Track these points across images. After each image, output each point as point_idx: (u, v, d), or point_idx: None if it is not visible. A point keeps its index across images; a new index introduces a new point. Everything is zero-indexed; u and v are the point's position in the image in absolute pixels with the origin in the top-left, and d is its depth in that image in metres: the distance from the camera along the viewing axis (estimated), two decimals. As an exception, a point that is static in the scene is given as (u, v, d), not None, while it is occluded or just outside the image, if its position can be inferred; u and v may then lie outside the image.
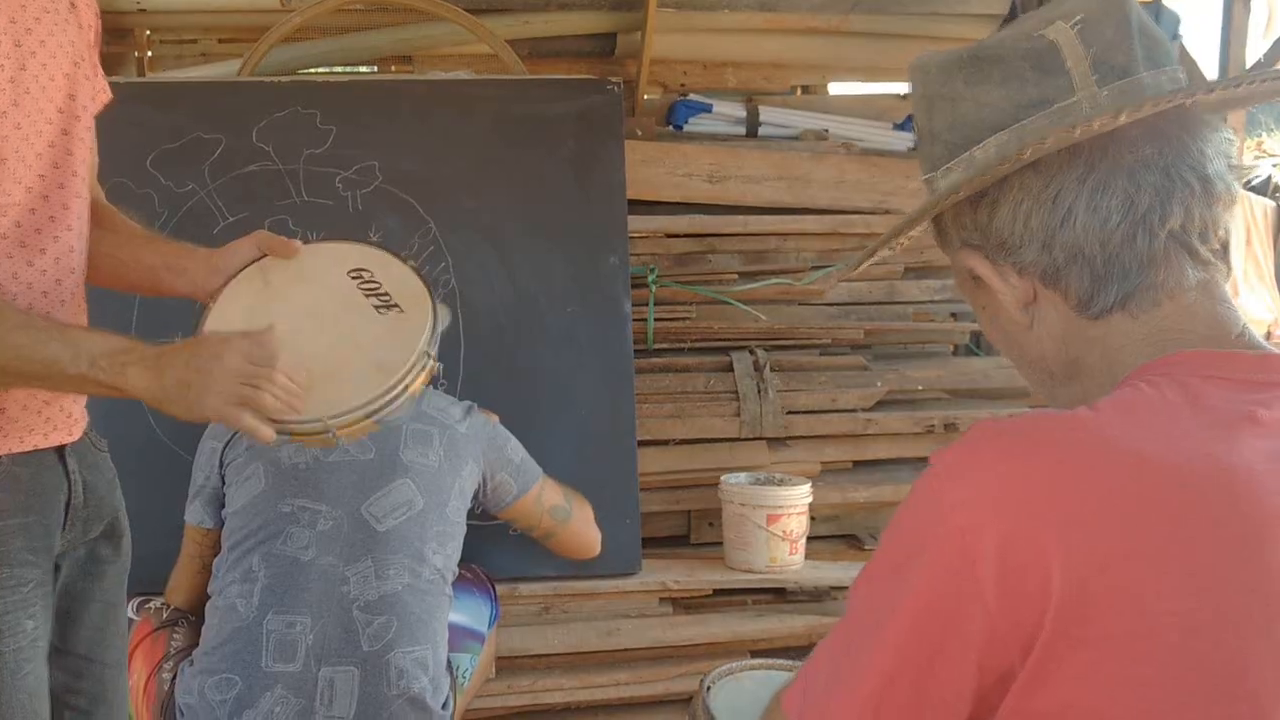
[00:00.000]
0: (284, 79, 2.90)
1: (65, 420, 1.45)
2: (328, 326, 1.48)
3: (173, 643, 2.04)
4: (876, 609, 0.85)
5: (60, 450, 1.45)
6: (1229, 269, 0.97)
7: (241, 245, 1.58)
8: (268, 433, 1.35)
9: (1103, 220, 0.90)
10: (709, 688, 1.28)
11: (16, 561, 1.36)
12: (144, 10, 3.19)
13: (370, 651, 1.90)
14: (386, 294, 1.52)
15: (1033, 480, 0.80)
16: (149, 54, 3.31)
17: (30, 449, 1.39)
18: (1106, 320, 0.92)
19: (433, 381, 2.07)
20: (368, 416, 1.41)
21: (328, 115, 2.76)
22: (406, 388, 1.43)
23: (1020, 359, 1.01)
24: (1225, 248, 0.94)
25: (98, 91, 1.54)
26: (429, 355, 1.46)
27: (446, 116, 2.79)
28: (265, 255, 1.57)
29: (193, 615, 2.11)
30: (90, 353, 1.32)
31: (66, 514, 1.45)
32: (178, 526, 2.20)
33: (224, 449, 2.08)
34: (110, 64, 3.12)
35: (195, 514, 2.12)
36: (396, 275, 1.55)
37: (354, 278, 1.54)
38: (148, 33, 3.29)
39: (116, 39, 3.26)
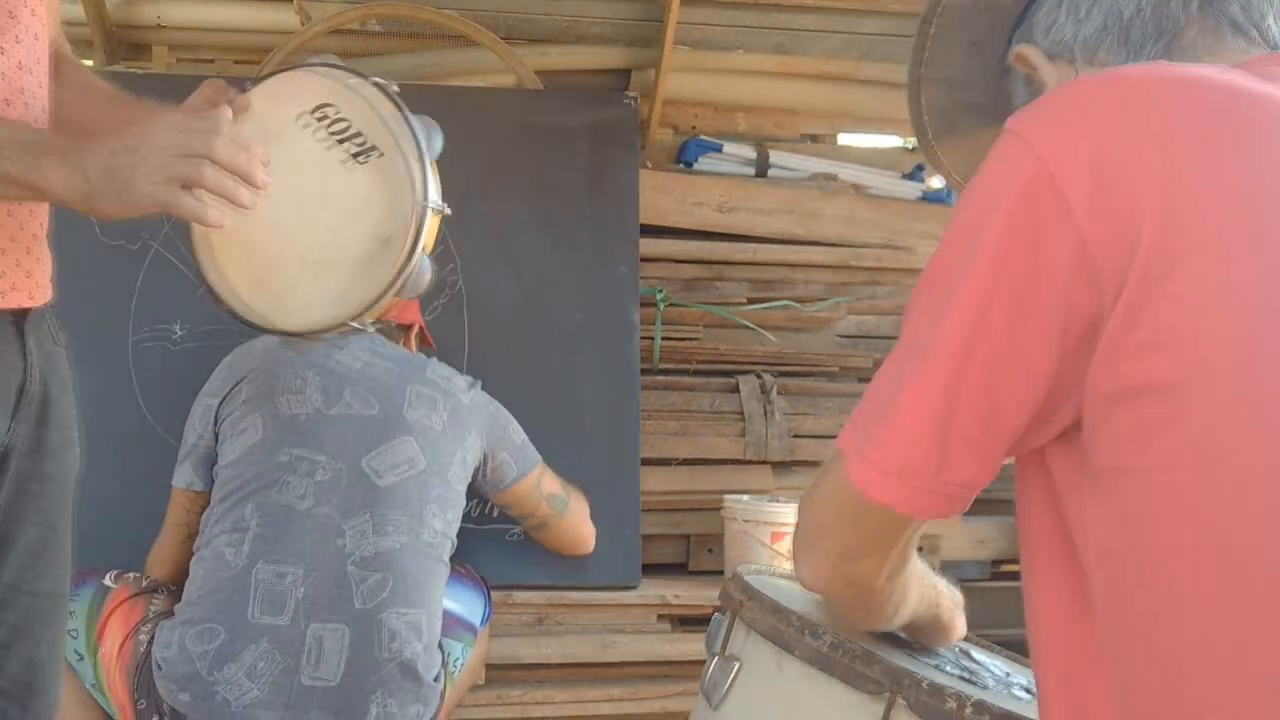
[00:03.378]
0: (301, 79, 2.89)
1: (25, 281, 1.27)
2: (312, 203, 1.31)
3: (151, 607, 1.94)
4: (948, 283, 0.77)
5: (19, 323, 1.27)
6: None
7: (196, 102, 1.39)
8: (214, 215, 1.16)
9: None
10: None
11: None
12: (163, 26, 3.21)
13: (363, 610, 1.80)
14: (360, 134, 1.31)
15: (1122, 98, 0.76)
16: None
17: None
18: None
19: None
20: (391, 296, 1.30)
21: (343, 115, 2.75)
22: (422, 249, 1.30)
23: None
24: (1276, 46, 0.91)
25: None
26: (425, 204, 1.30)
27: (462, 121, 2.77)
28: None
29: (174, 585, 2.01)
30: None
31: (19, 400, 1.28)
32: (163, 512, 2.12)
33: (220, 404, 1.99)
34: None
35: (184, 476, 2.02)
36: (365, 101, 1.33)
37: (320, 119, 1.32)
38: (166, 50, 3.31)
39: (135, 54, 3.28)
